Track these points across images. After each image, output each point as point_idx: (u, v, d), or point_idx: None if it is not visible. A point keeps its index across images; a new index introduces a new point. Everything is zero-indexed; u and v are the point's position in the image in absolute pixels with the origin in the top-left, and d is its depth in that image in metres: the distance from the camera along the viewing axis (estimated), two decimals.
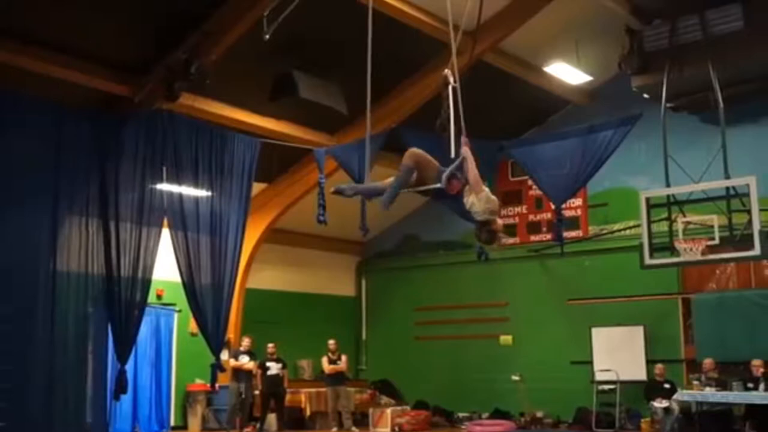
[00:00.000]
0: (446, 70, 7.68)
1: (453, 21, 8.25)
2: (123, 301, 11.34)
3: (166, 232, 11.95)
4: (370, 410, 17.20)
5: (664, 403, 14.55)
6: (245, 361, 15.21)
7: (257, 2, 11.52)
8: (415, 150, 6.93)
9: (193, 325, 14.28)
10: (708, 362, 14.52)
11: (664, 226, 13.48)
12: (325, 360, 16.42)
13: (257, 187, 15.03)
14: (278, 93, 13.55)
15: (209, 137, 12.35)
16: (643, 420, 15.39)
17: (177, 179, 11.96)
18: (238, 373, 15.12)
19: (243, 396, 15.11)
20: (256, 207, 15.37)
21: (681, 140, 14.53)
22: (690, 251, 12.80)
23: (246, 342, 15.48)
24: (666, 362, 15.54)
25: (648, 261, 13.21)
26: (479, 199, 6.70)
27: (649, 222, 13.25)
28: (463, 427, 16.90)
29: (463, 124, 7.22)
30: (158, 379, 15.53)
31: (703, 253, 12.79)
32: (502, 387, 17.95)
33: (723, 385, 13.95)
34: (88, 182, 11.32)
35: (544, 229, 17.99)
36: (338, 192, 7.19)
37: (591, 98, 17.40)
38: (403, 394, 19.05)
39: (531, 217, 18.50)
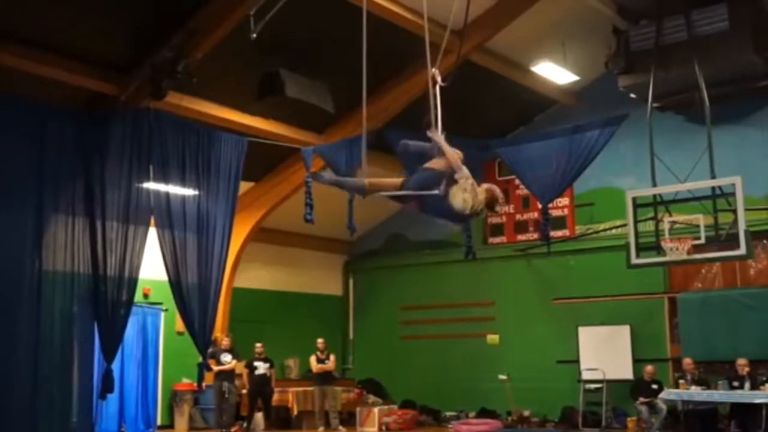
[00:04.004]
0: (434, 70, 7.68)
1: (440, 20, 8.27)
2: (109, 300, 11.32)
3: (152, 231, 11.93)
4: (357, 409, 17.19)
5: (646, 401, 14.61)
6: (227, 359, 15.17)
7: (243, 1, 11.50)
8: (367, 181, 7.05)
9: (179, 324, 14.27)
10: (687, 361, 14.58)
11: (650, 226, 13.53)
12: (313, 359, 16.39)
13: (244, 186, 15.02)
14: (265, 92, 13.52)
15: (196, 136, 12.33)
16: (629, 419, 15.44)
17: (164, 178, 11.93)
18: (220, 372, 15.06)
19: (226, 395, 15.06)
20: (243, 206, 15.36)
21: (667, 140, 14.59)
22: (676, 251, 12.84)
23: (226, 341, 15.44)
24: (652, 361, 15.58)
25: (634, 260, 13.24)
26: (467, 190, 6.48)
27: (636, 222, 13.28)
28: (449, 426, 16.90)
29: (440, 122, 7.24)
30: (145, 379, 15.45)
31: (688, 253, 12.83)
32: (489, 386, 17.97)
33: (706, 384, 14.02)
34: (74, 181, 11.30)
35: (531, 228, 18.05)
36: (315, 177, 7.13)
37: (578, 98, 17.46)
38: (390, 393, 19.07)
39: (518, 216, 18.56)
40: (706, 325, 15.17)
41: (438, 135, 6.81)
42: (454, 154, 6.65)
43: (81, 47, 12.06)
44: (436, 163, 6.72)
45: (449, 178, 6.59)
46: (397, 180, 6.86)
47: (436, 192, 6.58)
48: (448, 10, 8.92)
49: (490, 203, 6.66)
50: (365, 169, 8.07)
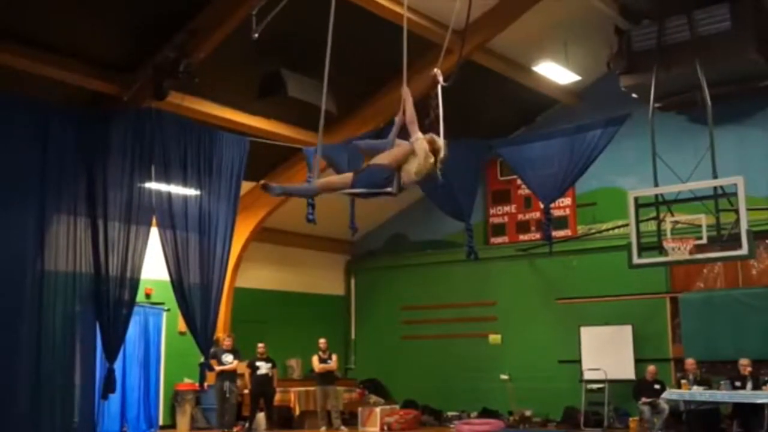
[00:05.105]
0: (435, 70, 7.69)
1: (442, 20, 8.27)
2: (111, 300, 11.33)
3: (154, 231, 11.93)
4: (359, 409, 17.19)
5: (648, 401, 14.60)
6: (229, 359, 15.15)
7: (245, 1, 11.50)
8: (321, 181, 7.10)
9: (181, 324, 14.27)
10: (689, 361, 14.59)
11: (652, 226, 13.53)
12: (315, 359, 16.39)
13: (246, 186, 14.99)
14: (267, 92, 13.53)
15: (198, 136, 12.34)
16: (631, 419, 15.43)
17: (165, 178, 11.94)
18: (221, 372, 15.05)
19: (227, 395, 15.05)
20: (245, 206, 15.34)
21: (669, 140, 14.59)
22: (678, 250, 12.85)
23: (228, 341, 15.44)
24: (654, 361, 15.58)
25: (636, 260, 13.25)
26: (420, 162, 6.59)
27: (638, 221, 13.29)
28: (451, 426, 16.90)
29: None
30: (147, 379, 15.49)
31: (690, 253, 12.84)
32: (491, 386, 17.98)
33: (708, 384, 14.02)
34: (75, 181, 11.30)
35: (533, 228, 18.05)
36: (265, 189, 7.08)
37: (579, 98, 17.44)
38: (392, 393, 19.07)
39: (520, 216, 18.56)
40: (708, 325, 15.15)
41: (402, 113, 6.86)
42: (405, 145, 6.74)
43: (83, 47, 12.07)
44: (383, 158, 6.72)
45: (397, 171, 6.64)
46: (347, 176, 6.85)
47: (389, 190, 6.61)
48: (450, 10, 8.93)
49: (437, 154, 6.74)
50: (317, 172, 8.08)
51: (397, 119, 6.95)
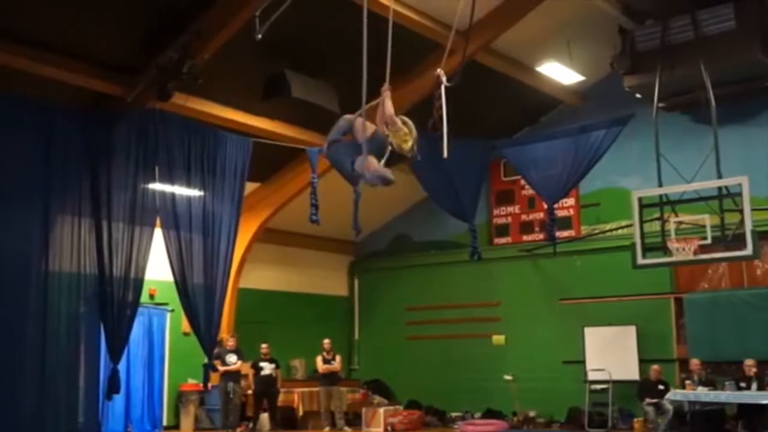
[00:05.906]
0: (439, 70, 7.70)
1: (445, 20, 8.27)
2: (115, 300, 11.34)
3: (158, 232, 11.94)
4: (363, 410, 17.17)
5: (653, 401, 14.59)
6: (233, 360, 15.16)
7: (248, 2, 11.52)
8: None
9: (185, 325, 14.26)
10: (694, 362, 14.58)
11: (656, 226, 13.52)
12: (319, 359, 16.38)
13: (250, 187, 15.03)
14: (270, 92, 13.54)
15: (201, 137, 12.35)
16: (635, 420, 15.41)
17: (169, 179, 11.95)
18: (225, 373, 15.05)
19: (231, 395, 15.05)
20: (249, 206, 15.35)
21: (673, 140, 14.56)
22: (682, 251, 12.83)
23: (231, 342, 15.44)
24: (658, 362, 15.56)
25: (640, 261, 13.23)
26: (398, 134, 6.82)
27: (642, 222, 13.28)
28: (455, 426, 16.90)
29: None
30: (151, 379, 15.50)
31: (695, 253, 12.82)
32: (495, 387, 17.95)
33: (713, 384, 14.00)
34: (79, 182, 11.31)
35: (537, 228, 18.02)
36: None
37: (583, 98, 17.43)
38: (396, 393, 19.07)
39: (523, 216, 18.55)
40: (713, 326, 15.12)
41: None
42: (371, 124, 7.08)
43: (87, 48, 12.09)
44: (369, 128, 6.83)
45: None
46: (370, 159, 6.93)
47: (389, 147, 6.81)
48: (454, 10, 8.93)
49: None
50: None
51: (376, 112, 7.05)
